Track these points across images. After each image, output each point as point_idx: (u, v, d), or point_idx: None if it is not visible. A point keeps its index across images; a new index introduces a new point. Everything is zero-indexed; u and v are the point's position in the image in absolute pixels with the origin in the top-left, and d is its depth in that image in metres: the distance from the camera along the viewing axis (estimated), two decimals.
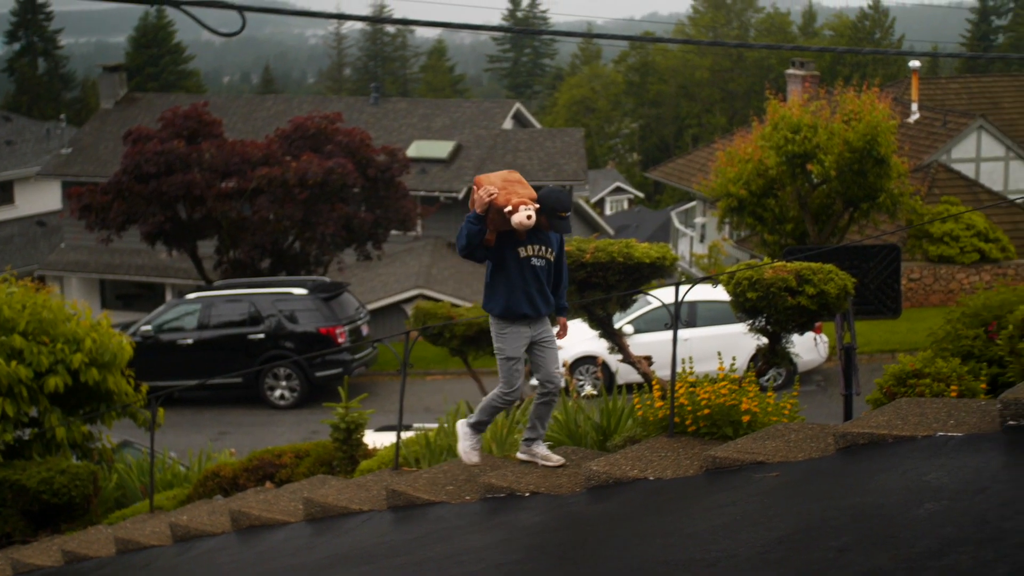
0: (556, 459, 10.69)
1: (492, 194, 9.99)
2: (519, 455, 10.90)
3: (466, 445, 10.73)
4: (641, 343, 26.24)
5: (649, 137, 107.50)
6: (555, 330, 10.62)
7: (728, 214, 35.22)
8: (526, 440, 10.82)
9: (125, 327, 32.26)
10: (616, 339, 14.74)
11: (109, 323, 18.28)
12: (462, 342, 19.81)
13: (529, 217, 9.88)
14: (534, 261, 10.27)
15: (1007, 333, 9.96)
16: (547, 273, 10.39)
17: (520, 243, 10.25)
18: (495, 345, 10.54)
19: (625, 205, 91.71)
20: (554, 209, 10.15)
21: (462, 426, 10.82)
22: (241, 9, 8.69)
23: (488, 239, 10.19)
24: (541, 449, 10.78)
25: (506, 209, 9.93)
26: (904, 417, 8.86)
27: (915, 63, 48.17)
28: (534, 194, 10.14)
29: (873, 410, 9.91)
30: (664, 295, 15.85)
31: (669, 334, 26.90)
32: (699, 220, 53.13)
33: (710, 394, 10.47)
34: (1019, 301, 12.50)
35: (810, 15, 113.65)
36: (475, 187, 10.25)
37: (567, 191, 11.39)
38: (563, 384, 10.59)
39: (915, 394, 10.62)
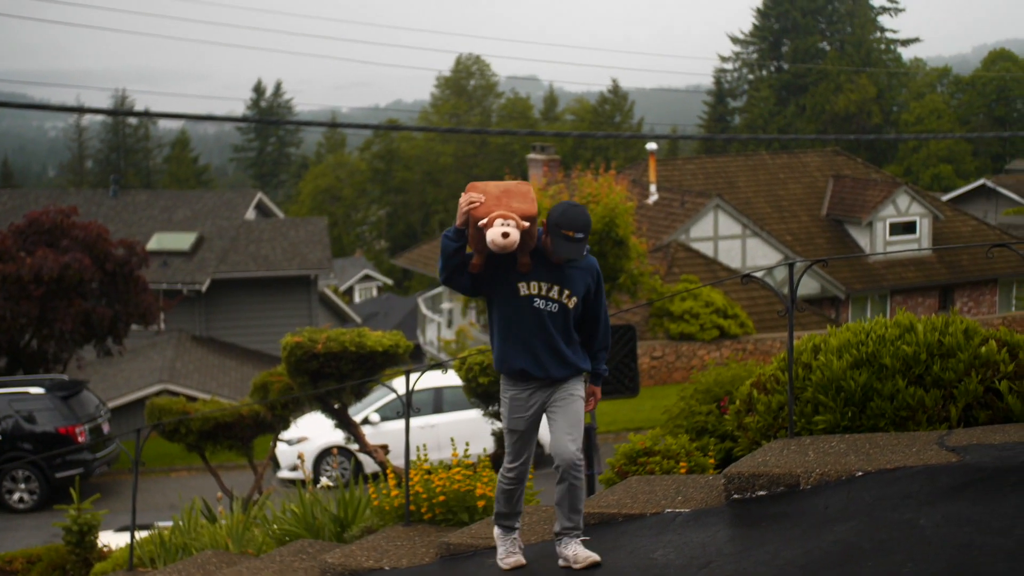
0: (585, 558, 7.97)
1: (473, 202, 7.93)
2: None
3: (500, 551, 8.44)
4: (388, 431, 26.07)
5: (396, 224, 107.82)
6: (577, 392, 8.20)
7: (472, 299, 35.34)
8: (556, 535, 8.19)
9: None
10: (352, 429, 14.59)
11: None
12: (198, 437, 19.33)
13: (505, 236, 7.73)
14: (538, 303, 8.07)
15: (735, 408, 10.08)
16: (562, 321, 8.12)
17: (520, 277, 8.10)
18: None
19: (374, 292, 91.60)
20: (558, 225, 7.90)
21: (495, 529, 8.59)
22: None
23: (474, 264, 8.07)
24: (570, 549, 8.07)
25: (481, 222, 7.83)
26: (634, 495, 8.91)
27: (652, 145, 49.27)
28: (530, 210, 7.93)
29: (605, 489, 9.95)
30: (401, 383, 15.77)
31: (419, 420, 26.63)
32: (446, 306, 53.29)
33: (444, 481, 10.38)
34: (748, 376, 12.72)
35: (551, 100, 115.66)
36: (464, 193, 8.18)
37: (585, 209, 8.34)
38: (579, 459, 7.95)
39: (646, 472, 10.70)
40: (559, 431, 8.08)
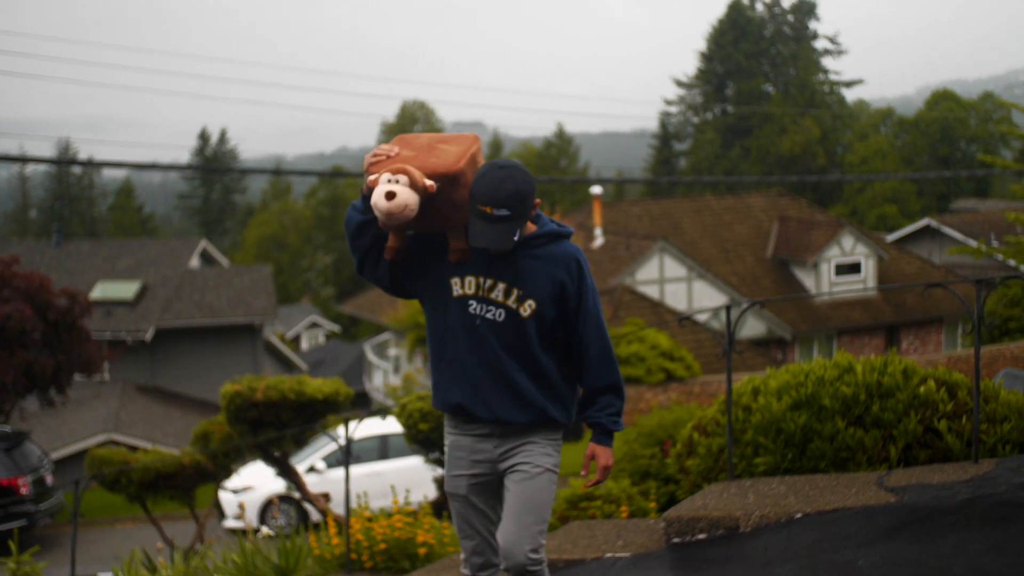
0: None
1: (378, 156, 5.91)
2: None
3: None
4: (334, 478, 25.90)
5: (342, 270, 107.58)
6: (541, 454, 6.02)
7: (418, 345, 35.29)
8: None
9: None
10: (293, 477, 14.47)
11: None
12: (139, 488, 19.17)
13: (390, 197, 5.62)
14: (474, 307, 5.92)
15: (676, 451, 10.06)
16: (514, 336, 5.89)
17: (453, 270, 5.98)
18: None
19: (321, 339, 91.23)
20: (472, 197, 5.75)
21: None
22: None
23: (388, 248, 5.98)
24: None
25: (370, 178, 5.80)
26: (574, 540, 8.83)
27: (597, 189, 49.36)
28: (446, 165, 5.80)
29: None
30: (351, 429, 15.65)
31: (365, 468, 26.51)
32: (392, 352, 53.15)
33: (386, 528, 10.29)
34: (691, 419, 12.71)
35: (497, 144, 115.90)
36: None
37: (518, 172, 5.78)
38: (534, 563, 5.86)
39: (587, 516, 10.65)
40: (507, 515, 5.87)
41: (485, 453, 5.96)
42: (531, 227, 5.96)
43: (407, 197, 5.60)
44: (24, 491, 30.19)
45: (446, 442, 6.17)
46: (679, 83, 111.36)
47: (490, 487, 6.05)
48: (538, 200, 5.80)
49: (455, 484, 6.06)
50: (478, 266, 5.87)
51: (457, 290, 5.89)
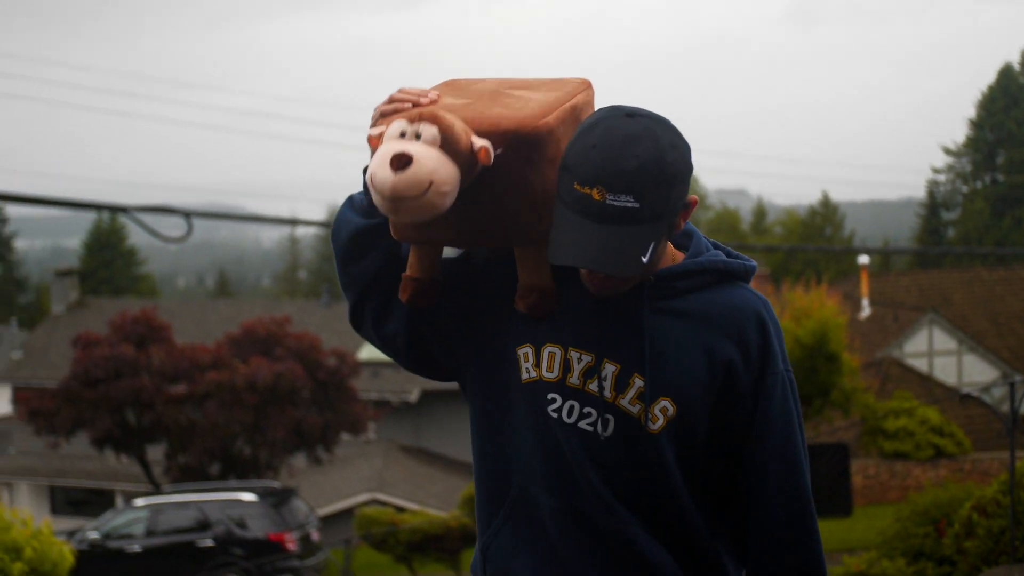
0: None
1: (396, 100, 3.02)
2: None
3: None
4: None
5: None
6: None
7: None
8: None
9: (71, 534, 31.64)
10: None
11: (51, 530, 17.89)
12: (407, 548, 19.43)
13: (402, 163, 2.75)
14: (558, 405, 3.06)
15: (953, 531, 9.77)
16: (633, 467, 3.03)
17: (522, 330, 3.10)
18: None
19: None
20: (568, 170, 2.84)
21: None
22: (188, 215, 8.63)
23: (410, 281, 3.13)
24: None
25: (371, 132, 2.96)
26: None
27: (864, 259, 48.68)
28: (518, 120, 2.88)
29: None
30: None
31: None
32: None
33: None
34: (967, 498, 12.34)
35: (760, 212, 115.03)
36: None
37: (662, 129, 2.82)
38: None
39: None
40: None
41: None
42: (673, 252, 3.14)
43: (434, 165, 2.76)
44: (291, 547, 30.83)
45: None
46: (947, 151, 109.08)
47: None
48: (694, 198, 2.95)
49: None
50: (568, 324, 3.06)
51: (529, 370, 3.07)
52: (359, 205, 3.17)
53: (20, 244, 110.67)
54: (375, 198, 2.81)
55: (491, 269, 3.21)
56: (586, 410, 3.03)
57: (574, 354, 3.03)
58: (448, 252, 3.21)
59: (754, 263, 3.14)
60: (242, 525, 31.30)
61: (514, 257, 3.10)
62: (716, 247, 3.20)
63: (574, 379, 3.03)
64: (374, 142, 2.92)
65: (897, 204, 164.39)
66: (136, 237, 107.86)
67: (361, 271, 3.17)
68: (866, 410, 34.49)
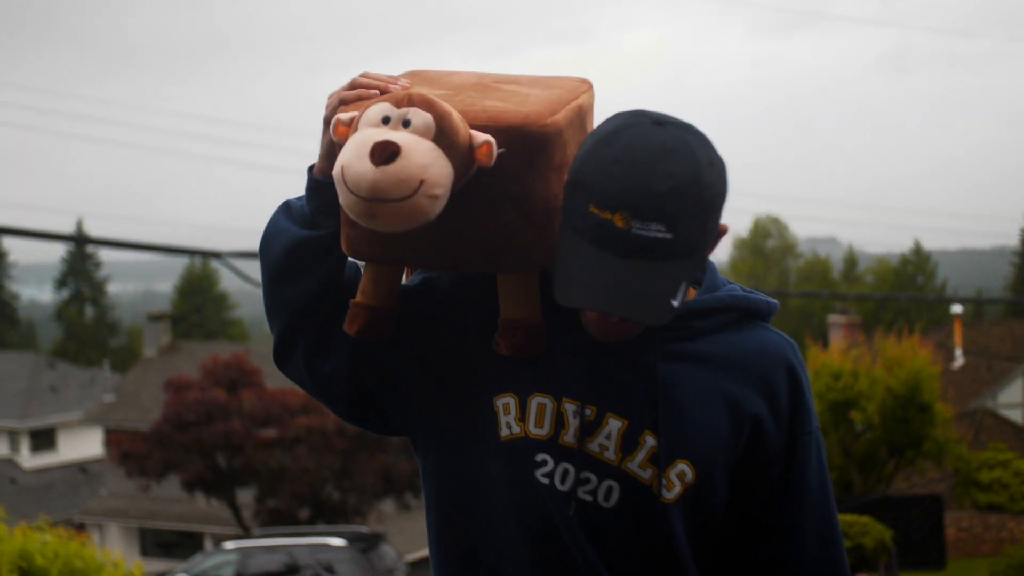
0: None
1: (359, 86, 2.38)
2: None
3: None
4: None
5: None
6: None
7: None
8: None
9: None
10: None
11: (143, 573, 18.00)
12: None
13: (387, 153, 2.15)
14: (550, 469, 2.43)
15: None
16: (645, 547, 2.43)
17: (501, 378, 2.47)
18: None
19: None
20: (583, 189, 2.25)
21: None
22: None
23: (360, 308, 2.46)
24: None
25: (339, 118, 2.29)
26: None
27: (957, 308, 48.14)
28: (537, 115, 2.30)
29: None
30: None
31: None
32: None
33: None
34: None
35: (851, 260, 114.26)
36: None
37: (697, 140, 2.26)
38: None
39: None
40: None
41: None
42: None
43: (426, 159, 2.20)
44: None
45: None
46: None
47: None
48: (724, 225, 2.41)
49: None
50: (561, 370, 2.48)
51: (510, 425, 2.49)
52: (298, 213, 2.53)
53: (113, 288, 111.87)
54: (345, 199, 2.21)
55: (459, 296, 2.57)
56: (584, 475, 2.44)
57: (569, 406, 2.44)
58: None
59: (776, 302, 2.64)
60: (331, 570, 31.35)
61: (489, 282, 2.50)
62: (730, 282, 2.73)
63: (569, 437, 2.43)
64: (342, 130, 2.28)
65: (990, 252, 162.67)
66: (228, 282, 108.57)
67: (296, 294, 2.55)
68: (960, 461, 34.11)
